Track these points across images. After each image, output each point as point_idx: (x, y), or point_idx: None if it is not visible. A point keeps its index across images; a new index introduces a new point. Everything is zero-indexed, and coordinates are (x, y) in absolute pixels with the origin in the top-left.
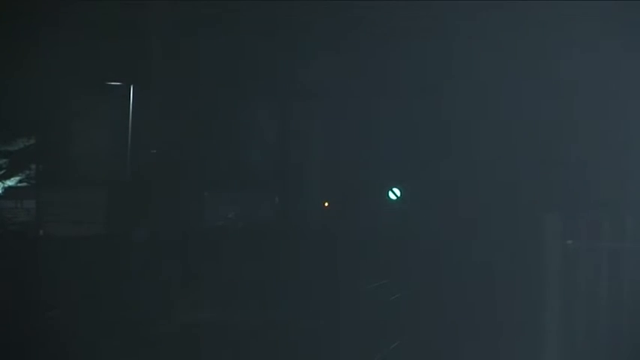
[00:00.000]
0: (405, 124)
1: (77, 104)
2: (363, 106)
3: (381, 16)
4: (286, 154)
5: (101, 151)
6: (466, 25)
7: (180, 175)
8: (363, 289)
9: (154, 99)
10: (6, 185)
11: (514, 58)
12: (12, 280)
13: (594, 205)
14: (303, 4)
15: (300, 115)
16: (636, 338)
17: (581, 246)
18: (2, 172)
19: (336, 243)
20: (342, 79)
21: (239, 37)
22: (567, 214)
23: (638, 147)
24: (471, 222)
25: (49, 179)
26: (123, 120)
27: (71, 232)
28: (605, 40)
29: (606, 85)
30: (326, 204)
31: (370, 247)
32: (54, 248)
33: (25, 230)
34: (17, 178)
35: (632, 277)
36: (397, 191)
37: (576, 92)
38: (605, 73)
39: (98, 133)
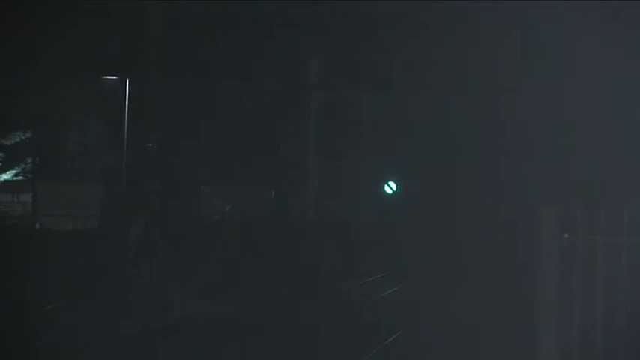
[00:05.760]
0: (404, 121)
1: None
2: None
3: None
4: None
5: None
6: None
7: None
8: (359, 282)
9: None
10: (2, 179)
11: (512, 60)
12: (10, 274)
13: (593, 199)
14: None
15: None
16: (633, 333)
17: (578, 240)
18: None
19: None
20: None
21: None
22: (565, 208)
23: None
24: (469, 217)
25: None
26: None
27: (68, 226)
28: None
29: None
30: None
31: (366, 240)
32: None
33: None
34: (13, 172)
35: (629, 272)
36: (393, 185)
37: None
38: (606, 70)
39: (95, 125)
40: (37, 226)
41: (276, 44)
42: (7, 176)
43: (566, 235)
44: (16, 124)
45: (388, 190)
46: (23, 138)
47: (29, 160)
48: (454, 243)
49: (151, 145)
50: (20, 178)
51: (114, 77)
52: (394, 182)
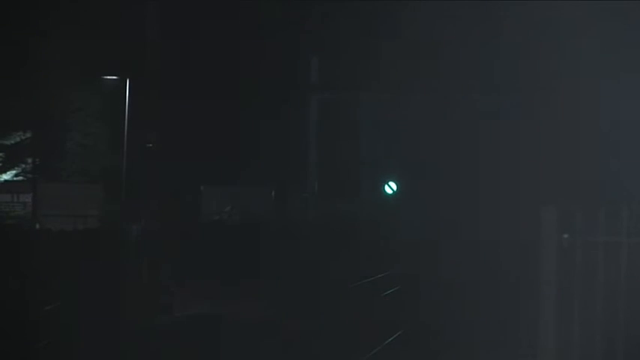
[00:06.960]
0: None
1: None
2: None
3: None
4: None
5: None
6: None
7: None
8: (359, 283)
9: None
10: (2, 179)
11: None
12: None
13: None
14: None
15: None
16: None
17: (578, 240)
18: None
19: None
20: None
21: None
22: (564, 207)
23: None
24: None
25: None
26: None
27: (68, 226)
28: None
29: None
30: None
31: (365, 241)
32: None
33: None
34: (13, 172)
35: (629, 272)
36: (393, 185)
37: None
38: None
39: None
40: (37, 226)
41: (276, 44)
42: (7, 176)
43: (566, 235)
44: (16, 124)
45: (388, 190)
46: (23, 138)
47: (29, 160)
48: (454, 243)
49: (150, 145)
50: (20, 178)
51: (114, 77)
52: (394, 182)
